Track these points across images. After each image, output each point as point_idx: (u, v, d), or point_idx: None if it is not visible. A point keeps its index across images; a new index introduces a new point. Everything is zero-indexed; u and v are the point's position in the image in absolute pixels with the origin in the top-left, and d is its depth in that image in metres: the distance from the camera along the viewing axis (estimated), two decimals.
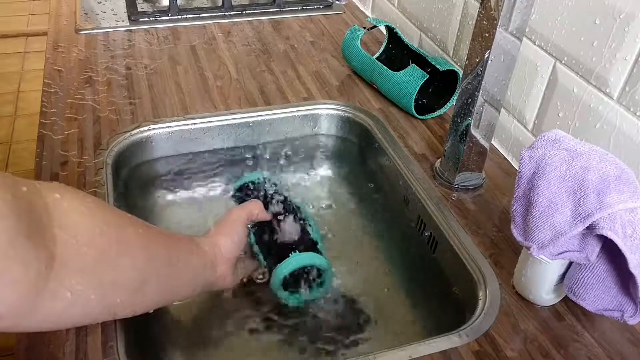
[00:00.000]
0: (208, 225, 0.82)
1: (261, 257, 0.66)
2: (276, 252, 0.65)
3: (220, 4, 1.12)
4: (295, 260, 0.63)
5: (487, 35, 0.60)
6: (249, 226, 0.66)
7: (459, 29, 0.86)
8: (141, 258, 0.46)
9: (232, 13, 1.10)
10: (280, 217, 0.67)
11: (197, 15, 1.08)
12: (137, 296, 0.47)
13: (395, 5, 1.05)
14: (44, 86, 0.85)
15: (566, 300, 0.58)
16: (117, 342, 0.51)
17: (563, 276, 0.56)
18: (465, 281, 0.62)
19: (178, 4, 1.07)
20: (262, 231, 0.67)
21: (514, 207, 0.54)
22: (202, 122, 0.81)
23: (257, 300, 0.71)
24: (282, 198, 0.69)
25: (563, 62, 0.67)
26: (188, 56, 0.96)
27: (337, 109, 0.86)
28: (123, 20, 1.05)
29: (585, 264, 0.52)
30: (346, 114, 0.86)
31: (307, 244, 0.66)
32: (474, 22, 0.61)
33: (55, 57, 0.92)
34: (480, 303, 0.58)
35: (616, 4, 0.58)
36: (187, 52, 0.97)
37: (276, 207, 0.68)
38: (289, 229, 0.66)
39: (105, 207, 0.47)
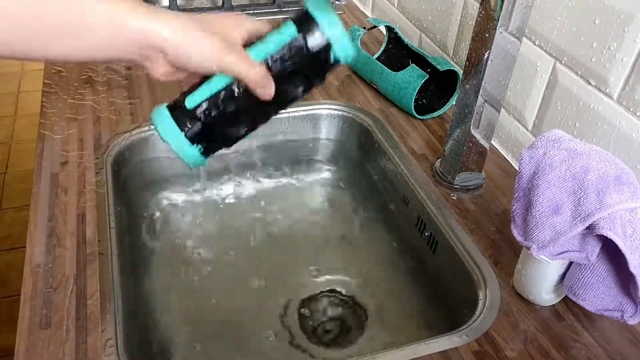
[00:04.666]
0: (208, 226, 0.82)
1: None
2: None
3: (220, 4, 1.12)
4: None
5: (487, 35, 0.60)
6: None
7: (459, 29, 0.86)
8: None
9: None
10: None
11: None
12: None
13: (395, 5, 1.05)
14: (44, 86, 0.85)
15: (566, 300, 0.58)
16: (117, 342, 0.51)
17: (563, 276, 0.56)
18: (465, 281, 0.62)
19: (178, 4, 1.07)
20: None
21: (514, 207, 0.54)
22: None
23: (257, 301, 0.71)
24: None
25: (563, 62, 0.67)
26: None
27: (337, 109, 0.86)
28: None
29: (585, 264, 0.52)
30: (346, 114, 0.86)
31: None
32: (474, 22, 0.61)
33: None
34: (480, 303, 0.58)
35: (616, 4, 0.58)
36: None
37: None
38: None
39: None
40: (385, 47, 0.94)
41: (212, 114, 0.47)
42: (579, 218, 0.48)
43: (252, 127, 0.50)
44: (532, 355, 0.53)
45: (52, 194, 0.66)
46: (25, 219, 1.81)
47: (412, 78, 0.81)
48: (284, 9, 1.13)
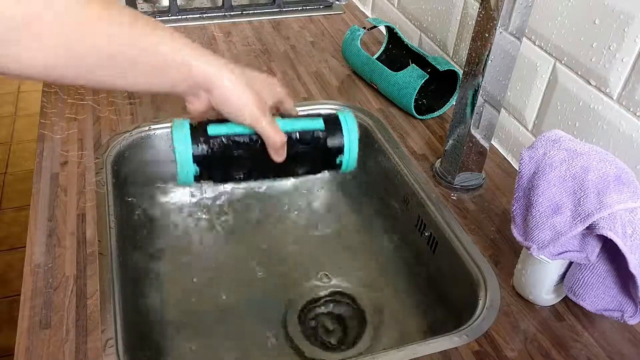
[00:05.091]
0: (208, 226, 0.82)
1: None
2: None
3: (220, 4, 1.12)
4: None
5: (487, 35, 0.60)
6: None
7: (459, 29, 0.86)
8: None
9: (232, 13, 1.10)
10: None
11: (197, 15, 1.08)
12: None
13: (395, 5, 1.05)
14: (44, 86, 0.85)
15: (566, 300, 0.58)
16: (117, 342, 0.51)
17: (563, 276, 0.56)
18: (465, 281, 0.62)
19: (178, 4, 1.07)
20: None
21: (514, 207, 0.54)
22: None
23: (257, 301, 0.71)
24: None
25: (563, 62, 0.67)
26: None
27: (337, 109, 0.86)
28: None
29: (585, 264, 0.52)
30: None
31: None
32: (474, 22, 0.61)
33: None
34: (480, 303, 0.58)
35: (616, 4, 0.58)
36: None
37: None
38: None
39: None
40: (385, 47, 0.94)
41: (223, 149, 0.52)
42: (579, 218, 0.48)
43: (245, 178, 0.55)
44: (532, 355, 0.53)
45: (52, 194, 0.66)
46: (25, 219, 1.81)
47: (412, 78, 0.81)
48: (284, 9, 1.13)
